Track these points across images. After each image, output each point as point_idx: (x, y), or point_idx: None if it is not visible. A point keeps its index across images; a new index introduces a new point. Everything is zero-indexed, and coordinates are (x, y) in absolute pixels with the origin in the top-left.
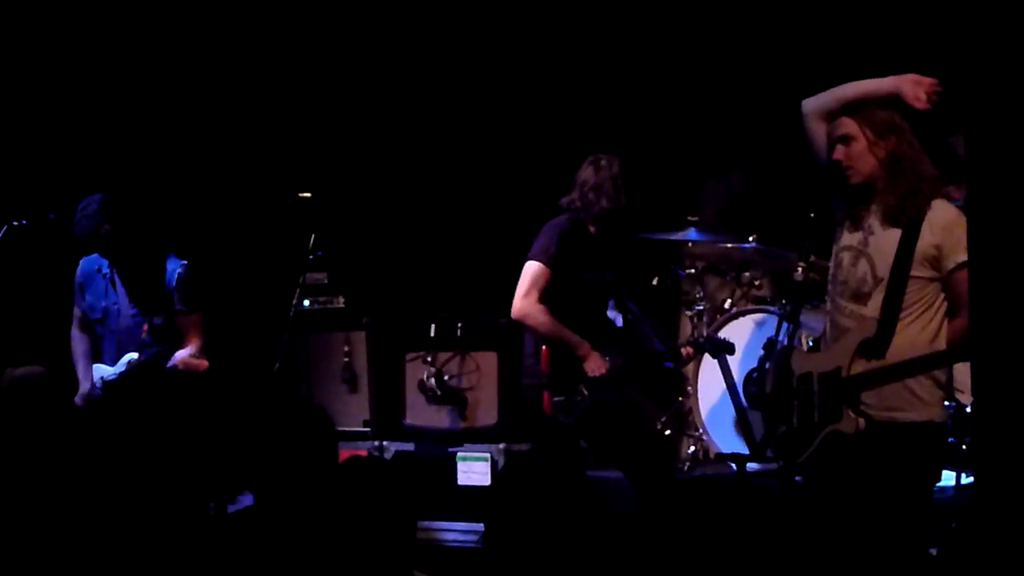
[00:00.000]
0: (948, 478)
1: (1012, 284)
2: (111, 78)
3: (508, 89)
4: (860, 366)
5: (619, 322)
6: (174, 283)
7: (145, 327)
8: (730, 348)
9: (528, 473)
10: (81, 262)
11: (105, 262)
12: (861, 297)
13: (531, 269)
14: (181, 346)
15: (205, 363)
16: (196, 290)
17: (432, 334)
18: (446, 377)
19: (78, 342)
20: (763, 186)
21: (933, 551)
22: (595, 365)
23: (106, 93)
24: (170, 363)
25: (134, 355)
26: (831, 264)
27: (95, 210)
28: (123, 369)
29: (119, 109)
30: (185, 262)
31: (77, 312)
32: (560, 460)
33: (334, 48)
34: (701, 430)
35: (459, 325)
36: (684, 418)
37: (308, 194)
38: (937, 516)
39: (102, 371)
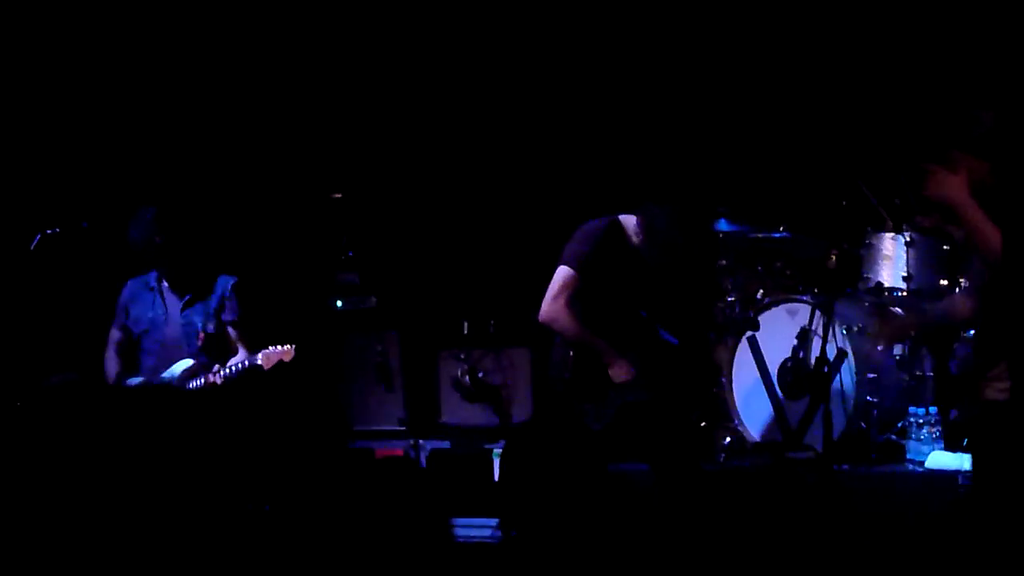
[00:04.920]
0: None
1: None
2: (123, 84)
3: (542, 88)
4: None
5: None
6: (227, 293)
7: (201, 335)
8: (753, 324)
9: (557, 469)
10: (128, 283)
11: (153, 275)
12: None
13: (561, 274)
14: (228, 356)
15: (291, 349)
16: (247, 301)
17: (465, 331)
18: (480, 374)
19: (112, 364)
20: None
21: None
22: (620, 371)
23: (124, 99)
24: (243, 364)
25: (189, 361)
26: None
27: (149, 220)
28: (183, 375)
29: (146, 118)
30: (236, 277)
31: (115, 335)
32: (587, 456)
33: (368, 51)
34: (736, 420)
35: (492, 322)
36: (719, 408)
37: (339, 195)
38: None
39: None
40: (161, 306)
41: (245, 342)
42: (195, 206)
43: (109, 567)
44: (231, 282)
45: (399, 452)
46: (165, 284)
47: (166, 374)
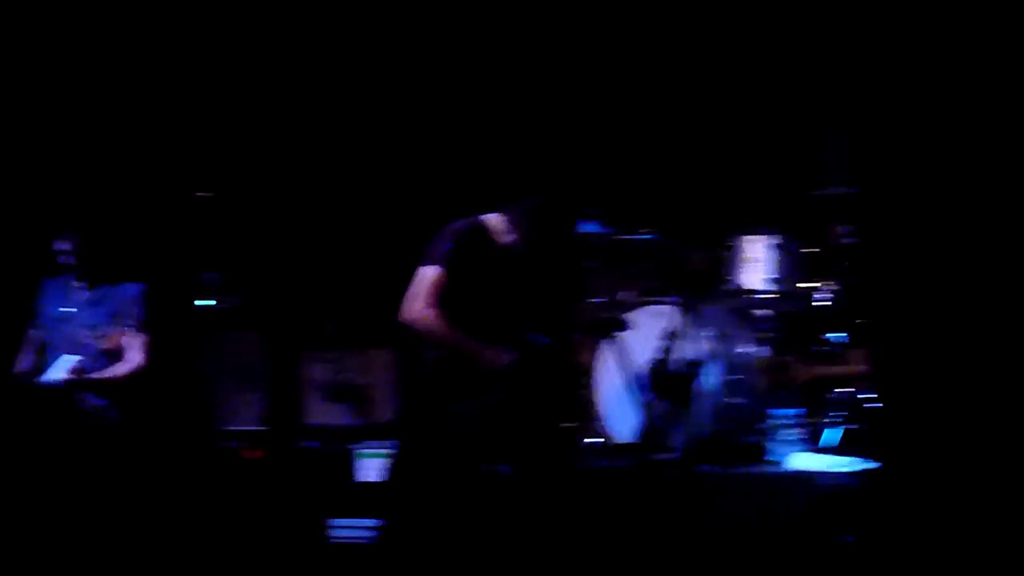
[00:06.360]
0: (843, 463)
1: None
2: None
3: (409, 90)
4: None
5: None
6: (131, 299)
7: (94, 335)
8: (619, 325)
9: (423, 470)
10: (45, 283)
11: (67, 275)
12: None
13: (425, 273)
14: (120, 359)
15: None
16: (150, 311)
17: (328, 332)
18: (343, 374)
19: (24, 359)
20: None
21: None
22: (493, 358)
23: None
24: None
25: (73, 358)
26: None
27: (65, 220)
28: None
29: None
30: (144, 285)
31: (33, 334)
32: (454, 457)
33: (234, 53)
34: (600, 421)
35: (355, 322)
36: (583, 409)
37: (204, 194)
38: (837, 502)
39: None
40: (70, 304)
41: (140, 350)
42: (104, 209)
43: None
44: (137, 288)
45: (260, 453)
46: (75, 283)
47: (52, 369)
